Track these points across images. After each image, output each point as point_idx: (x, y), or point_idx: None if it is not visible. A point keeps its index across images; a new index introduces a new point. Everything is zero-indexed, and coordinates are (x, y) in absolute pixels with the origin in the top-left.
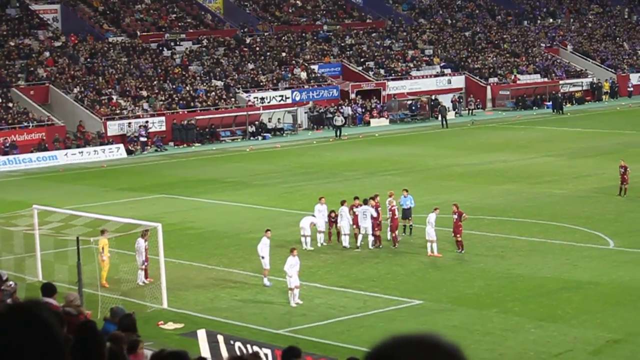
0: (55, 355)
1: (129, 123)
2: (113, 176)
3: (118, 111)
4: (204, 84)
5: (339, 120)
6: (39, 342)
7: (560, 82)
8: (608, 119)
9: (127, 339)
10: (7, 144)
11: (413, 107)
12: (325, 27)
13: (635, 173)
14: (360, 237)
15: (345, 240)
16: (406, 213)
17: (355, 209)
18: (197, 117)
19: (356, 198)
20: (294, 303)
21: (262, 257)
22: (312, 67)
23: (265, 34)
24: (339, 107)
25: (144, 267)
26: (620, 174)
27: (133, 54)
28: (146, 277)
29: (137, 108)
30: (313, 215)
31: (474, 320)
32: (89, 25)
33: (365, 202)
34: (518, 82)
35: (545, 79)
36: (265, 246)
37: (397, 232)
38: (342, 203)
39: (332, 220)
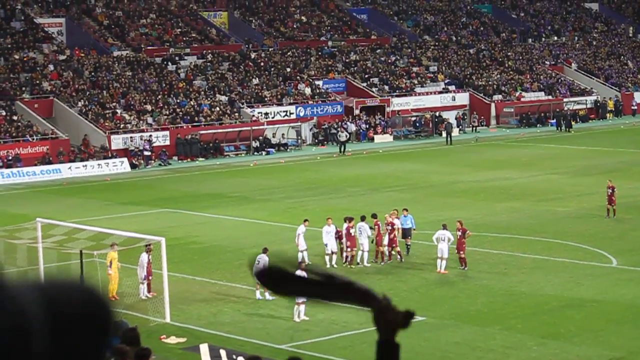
0: None
1: (131, 137)
2: (117, 190)
3: (122, 125)
4: (208, 98)
5: (343, 136)
6: None
7: (565, 99)
8: (612, 137)
9: (132, 352)
10: (11, 157)
11: (417, 124)
12: (329, 43)
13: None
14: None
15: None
16: (406, 232)
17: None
18: (201, 132)
19: (363, 218)
20: (299, 319)
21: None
22: (317, 82)
23: (270, 49)
24: (343, 123)
25: (145, 281)
26: (607, 195)
27: (137, 68)
28: (149, 291)
29: (141, 122)
30: (305, 222)
31: (476, 337)
32: (94, 39)
33: (363, 219)
34: (522, 99)
35: (550, 97)
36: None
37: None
38: (346, 220)
39: (336, 237)
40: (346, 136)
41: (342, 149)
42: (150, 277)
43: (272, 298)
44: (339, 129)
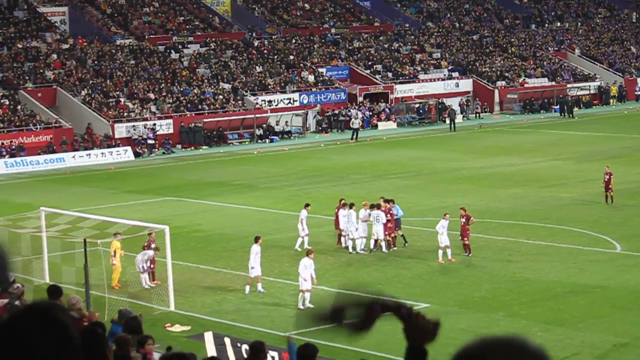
0: (71, 358)
1: (133, 126)
2: (120, 178)
3: (126, 114)
4: (212, 86)
5: (356, 123)
6: (56, 344)
7: (568, 85)
8: (615, 122)
9: (134, 340)
10: (15, 146)
11: (421, 111)
12: (333, 30)
13: None
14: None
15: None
16: (396, 223)
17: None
18: (205, 120)
19: (351, 206)
20: (304, 306)
21: (252, 268)
22: (320, 70)
23: (273, 37)
24: (350, 111)
25: (145, 272)
26: (604, 181)
27: (141, 57)
28: (153, 280)
29: (144, 111)
30: (307, 207)
31: (480, 324)
32: (97, 27)
33: (378, 207)
34: (526, 85)
35: (553, 83)
36: (256, 255)
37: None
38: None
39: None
40: (359, 123)
41: (355, 136)
42: (153, 266)
43: (263, 290)
44: (352, 117)
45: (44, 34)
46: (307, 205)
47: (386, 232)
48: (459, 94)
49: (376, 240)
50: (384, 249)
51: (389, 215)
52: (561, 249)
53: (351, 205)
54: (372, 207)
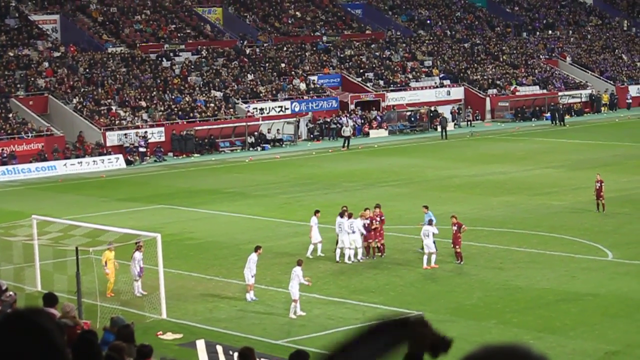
0: None
1: (125, 134)
2: (112, 186)
3: (117, 122)
4: (203, 94)
5: (347, 131)
6: (38, 351)
7: (559, 93)
8: (607, 130)
9: (128, 349)
10: (6, 154)
11: (412, 119)
12: (324, 38)
13: (636, 185)
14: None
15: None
16: None
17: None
18: (196, 128)
19: (350, 215)
20: (295, 315)
21: (253, 276)
22: (312, 78)
23: (265, 44)
24: (340, 118)
25: (139, 278)
26: (595, 189)
27: (132, 65)
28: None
29: (136, 118)
30: (317, 213)
31: (472, 332)
32: (88, 35)
33: (350, 216)
34: (517, 93)
35: (544, 91)
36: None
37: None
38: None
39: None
40: (350, 131)
41: (347, 144)
42: (141, 274)
43: (255, 298)
44: (343, 125)
45: (36, 42)
46: (316, 211)
47: (377, 239)
48: (451, 101)
49: (367, 248)
50: (359, 257)
51: (380, 221)
52: (553, 256)
53: (349, 215)
54: (349, 215)
